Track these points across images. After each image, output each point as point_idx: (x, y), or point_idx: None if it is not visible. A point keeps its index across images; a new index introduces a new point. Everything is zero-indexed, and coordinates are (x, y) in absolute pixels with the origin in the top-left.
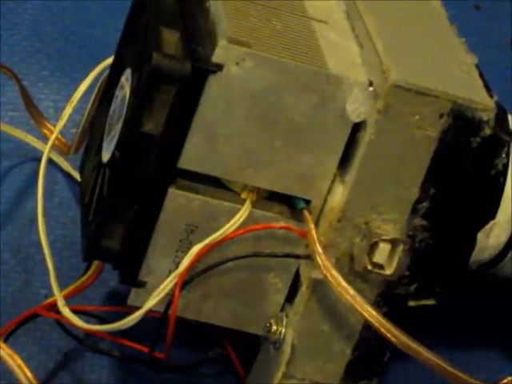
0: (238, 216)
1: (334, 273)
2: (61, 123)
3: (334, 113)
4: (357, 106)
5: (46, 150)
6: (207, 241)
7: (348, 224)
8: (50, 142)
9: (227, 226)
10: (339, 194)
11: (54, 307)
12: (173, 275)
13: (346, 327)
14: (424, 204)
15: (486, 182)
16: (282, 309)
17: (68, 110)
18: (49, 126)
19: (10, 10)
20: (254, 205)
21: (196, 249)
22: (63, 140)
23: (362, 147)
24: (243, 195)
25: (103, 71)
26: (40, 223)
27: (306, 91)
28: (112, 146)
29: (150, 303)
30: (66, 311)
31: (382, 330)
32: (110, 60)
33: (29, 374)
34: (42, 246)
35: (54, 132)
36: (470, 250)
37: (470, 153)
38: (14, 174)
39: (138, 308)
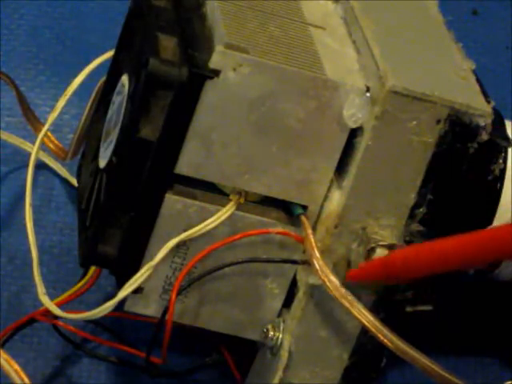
0: (220, 213)
1: (332, 278)
2: (53, 115)
3: (331, 118)
4: (354, 112)
5: (37, 142)
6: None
7: (345, 229)
8: (43, 130)
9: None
10: (336, 200)
11: (50, 313)
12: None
13: (343, 333)
14: (421, 209)
15: (483, 188)
16: (279, 314)
17: (61, 103)
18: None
19: (6, 16)
20: (250, 210)
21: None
22: (60, 145)
23: (359, 153)
24: (231, 196)
25: (99, 76)
26: (28, 218)
27: (303, 97)
28: (109, 152)
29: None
30: (45, 299)
31: (379, 335)
32: (109, 54)
33: (26, 380)
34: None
35: (47, 123)
36: None
37: (466, 158)
38: (10, 180)
39: (134, 314)
